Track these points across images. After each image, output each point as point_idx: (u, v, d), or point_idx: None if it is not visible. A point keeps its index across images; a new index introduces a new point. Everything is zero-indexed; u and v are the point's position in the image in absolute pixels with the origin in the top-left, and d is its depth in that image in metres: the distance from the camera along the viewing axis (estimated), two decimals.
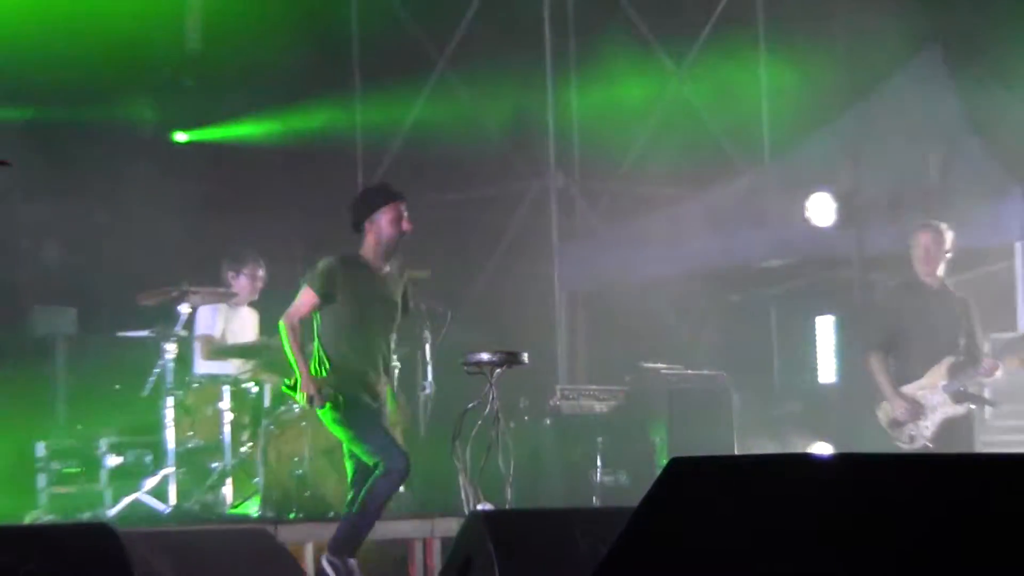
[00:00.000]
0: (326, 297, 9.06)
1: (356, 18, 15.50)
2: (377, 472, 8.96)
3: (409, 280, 9.39)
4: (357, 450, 9.10)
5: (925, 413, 10.35)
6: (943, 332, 10.45)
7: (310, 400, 9.00)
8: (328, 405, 9.06)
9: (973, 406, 10.46)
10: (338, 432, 9.20)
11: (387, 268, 9.21)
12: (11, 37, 12.77)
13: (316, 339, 9.25)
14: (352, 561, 9.03)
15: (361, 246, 9.18)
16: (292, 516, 10.59)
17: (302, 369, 9.04)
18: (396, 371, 10.35)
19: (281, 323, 9.18)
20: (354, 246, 9.26)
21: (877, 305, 11.19)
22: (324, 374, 9.11)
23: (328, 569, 8.99)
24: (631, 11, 15.09)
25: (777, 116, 14.91)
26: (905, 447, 10.35)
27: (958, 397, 10.34)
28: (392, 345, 9.42)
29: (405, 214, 9.15)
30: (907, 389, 10.38)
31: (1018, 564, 4.21)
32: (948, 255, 10.42)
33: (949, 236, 10.41)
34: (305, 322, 9.24)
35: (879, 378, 10.46)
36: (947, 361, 10.35)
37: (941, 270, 10.45)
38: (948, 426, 10.30)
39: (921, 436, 10.31)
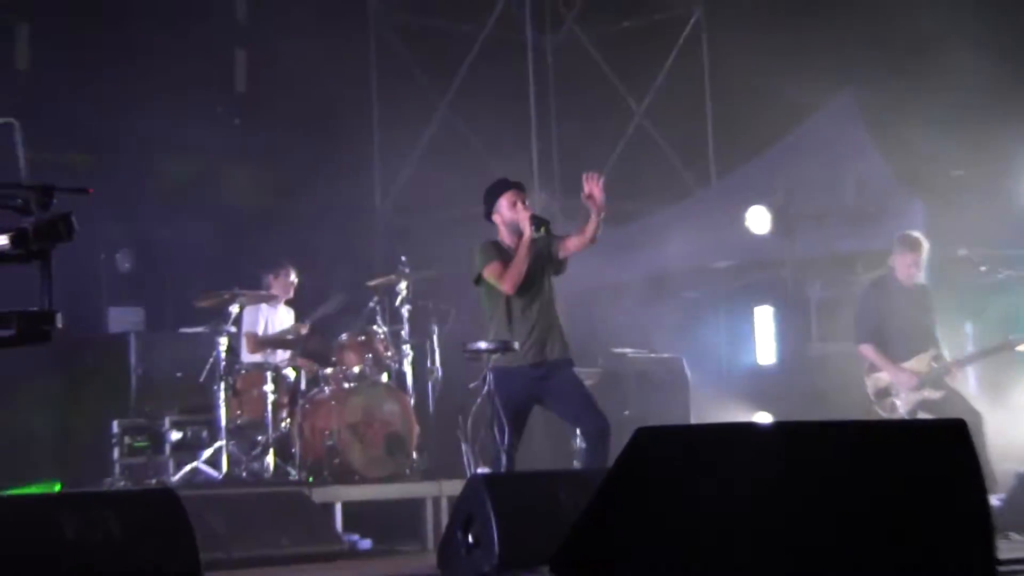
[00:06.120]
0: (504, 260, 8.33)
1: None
2: None
3: (553, 239, 8.54)
4: None
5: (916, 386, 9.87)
6: (920, 325, 10.03)
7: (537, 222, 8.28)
8: None
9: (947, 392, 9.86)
10: None
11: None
12: None
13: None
14: None
15: (497, 233, 8.56)
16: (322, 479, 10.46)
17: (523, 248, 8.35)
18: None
19: (498, 282, 8.51)
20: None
21: (859, 303, 10.48)
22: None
23: None
24: (601, 61, 15.07)
25: (721, 146, 14.88)
26: (884, 415, 9.90)
27: (940, 384, 9.83)
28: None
29: (521, 198, 8.43)
30: (888, 372, 9.93)
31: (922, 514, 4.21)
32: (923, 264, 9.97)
33: (927, 247, 10.02)
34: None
35: (878, 360, 9.96)
36: (932, 351, 9.95)
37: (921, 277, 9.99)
38: (925, 406, 9.85)
39: (901, 408, 9.88)
